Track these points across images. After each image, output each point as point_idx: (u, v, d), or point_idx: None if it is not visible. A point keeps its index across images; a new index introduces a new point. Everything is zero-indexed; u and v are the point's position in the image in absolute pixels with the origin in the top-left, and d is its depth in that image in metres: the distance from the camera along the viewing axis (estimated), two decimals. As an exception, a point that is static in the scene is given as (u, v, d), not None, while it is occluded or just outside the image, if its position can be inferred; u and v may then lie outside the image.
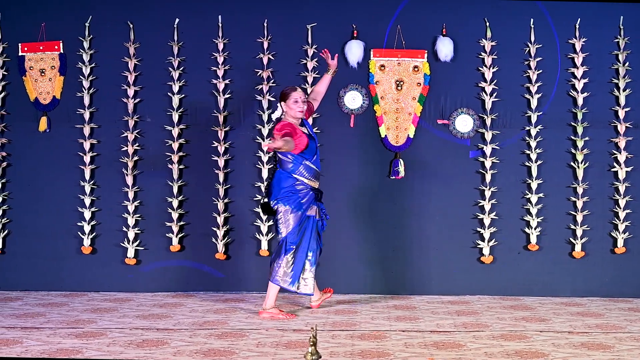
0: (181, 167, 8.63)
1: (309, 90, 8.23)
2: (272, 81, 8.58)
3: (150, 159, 8.66)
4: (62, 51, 8.71)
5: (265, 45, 8.59)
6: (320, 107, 8.46)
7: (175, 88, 8.61)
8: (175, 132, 8.61)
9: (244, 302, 8.11)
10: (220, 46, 8.60)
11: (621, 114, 8.55)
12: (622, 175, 8.55)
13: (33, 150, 8.74)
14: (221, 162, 8.58)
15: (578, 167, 8.53)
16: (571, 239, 8.57)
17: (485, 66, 8.55)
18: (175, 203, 8.61)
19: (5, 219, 8.77)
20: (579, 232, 8.54)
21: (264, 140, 8.49)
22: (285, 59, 8.59)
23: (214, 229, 8.60)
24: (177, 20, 8.62)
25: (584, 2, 8.60)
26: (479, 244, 8.57)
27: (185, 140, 8.63)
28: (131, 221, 8.64)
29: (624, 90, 8.55)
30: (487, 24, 8.57)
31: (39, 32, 8.71)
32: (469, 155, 8.57)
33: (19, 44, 8.74)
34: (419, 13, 8.57)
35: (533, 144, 8.53)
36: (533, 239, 8.55)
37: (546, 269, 8.57)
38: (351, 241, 8.61)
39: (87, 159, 8.67)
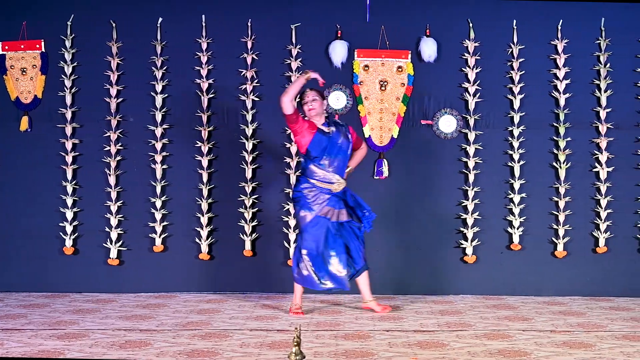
0: (164, 167, 8.61)
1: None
2: (256, 81, 8.57)
3: (133, 159, 8.63)
4: (43, 50, 8.67)
5: (249, 45, 8.58)
6: (304, 107, 8.49)
7: (159, 87, 8.58)
8: (159, 131, 8.58)
9: (227, 303, 8.10)
10: (204, 46, 8.58)
11: (602, 114, 8.60)
12: (603, 175, 8.59)
13: (14, 150, 8.69)
14: (205, 162, 8.56)
15: (560, 167, 8.57)
16: (553, 239, 8.60)
17: (469, 67, 8.57)
18: (158, 203, 8.58)
19: (-14, 219, 8.75)
20: (561, 232, 8.58)
21: (247, 140, 8.50)
22: (269, 58, 8.58)
23: (198, 229, 8.58)
24: (160, 19, 8.59)
25: (565, 3, 8.63)
26: (462, 244, 8.59)
27: (168, 140, 8.61)
28: (114, 221, 8.61)
29: (605, 91, 8.59)
30: (471, 25, 8.59)
31: (20, 31, 8.67)
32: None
33: (0, 43, 8.68)
34: (403, 14, 8.59)
35: (516, 144, 8.56)
36: (516, 239, 8.58)
37: (529, 268, 8.60)
38: (334, 241, 8.61)
39: (69, 158, 8.63)
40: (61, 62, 8.65)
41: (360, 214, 7.68)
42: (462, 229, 8.60)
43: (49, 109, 8.68)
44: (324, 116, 7.65)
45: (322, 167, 7.55)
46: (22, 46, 8.69)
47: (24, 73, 8.68)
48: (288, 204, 8.55)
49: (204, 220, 8.56)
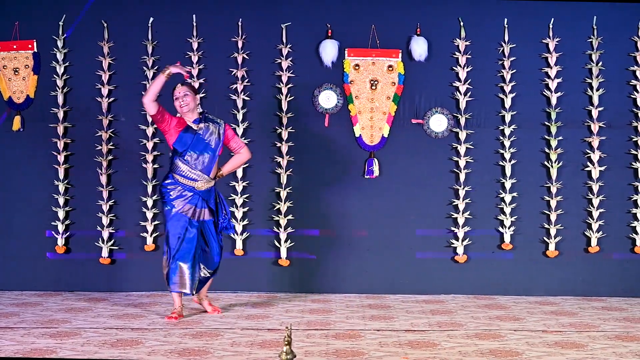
0: (155, 166, 8.60)
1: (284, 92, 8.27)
2: (246, 80, 8.57)
3: (125, 158, 8.62)
4: (36, 50, 8.66)
5: (240, 44, 8.58)
6: (295, 107, 8.51)
7: (150, 87, 8.58)
8: (150, 131, 8.58)
9: (218, 302, 8.07)
10: (195, 45, 8.58)
11: (594, 113, 8.60)
12: (595, 174, 8.60)
13: (6, 149, 8.68)
14: (196, 161, 8.57)
15: (552, 166, 8.57)
16: (545, 239, 8.60)
17: (460, 66, 8.58)
18: (149, 202, 8.58)
19: (-21, 218, 8.75)
20: (552, 232, 8.58)
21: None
22: (259, 58, 8.58)
23: (189, 228, 8.59)
24: (151, 19, 8.59)
25: (557, 2, 8.64)
26: (453, 243, 8.59)
27: (159, 140, 8.59)
28: (105, 220, 8.60)
29: (597, 90, 8.60)
30: (462, 23, 8.60)
31: (13, 31, 8.66)
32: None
33: (-8, 43, 8.72)
34: (393, 13, 8.58)
35: (507, 143, 8.56)
36: (507, 238, 8.58)
37: (520, 268, 8.61)
38: (325, 240, 8.61)
39: (61, 158, 8.62)
40: (53, 62, 8.64)
41: (221, 217, 7.50)
42: (453, 229, 8.61)
43: (41, 108, 8.67)
44: (197, 112, 7.46)
45: (187, 163, 7.31)
46: (15, 46, 8.68)
47: (16, 73, 8.68)
48: (279, 203, 8.56)
49: (195, 219, 8.57)
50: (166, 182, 7.40)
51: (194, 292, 7.42)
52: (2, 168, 8.71)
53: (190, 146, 7.32)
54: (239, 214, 8.55)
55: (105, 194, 8.61)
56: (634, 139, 8.63)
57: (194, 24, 8.59)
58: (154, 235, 8.58)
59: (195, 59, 8.57)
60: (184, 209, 7.33)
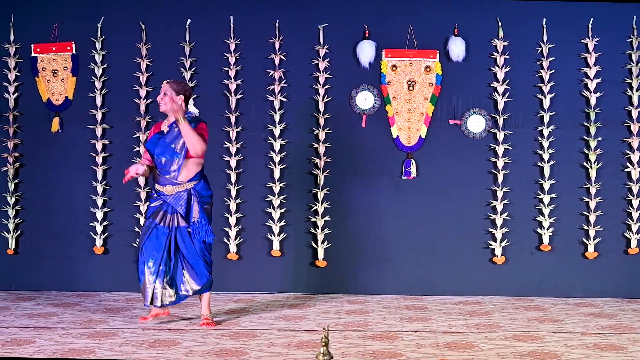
0: (193, 167, 8.63)
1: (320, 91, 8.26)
2: (283, 82, 8.58)
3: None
4: (74, 52, 8.73)
5: (277, 45, 8.59)
6: (332, 108, 8.50)
7: (187, 88, 8.61)
8: (187, 132, 8.61)
9: (255, 303, 8.11)
10: (232, 47, 8.60)
11: (634, 113, 8.52)
12: (635, 175, 8.52)
13: (45, 150, 8.76)
14: (233, 163, 8.58)
15: (591, 167, 8.50)
16: (584, 240, 8.54)
17: (498, 66, 8.53)
18: (187, 203, 8.61)
19: (18, 219, 8.79)
20: (591, 233, 8.51)
21: (275, 141, 8.52)
22: (296, 59, 8.59)
23: (226, 229, 8.60)
24: (188, 20, 8.62)
25: (596, 2, 8.57)
26: (491, 245, 8.55)
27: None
28: (143, 222, 8.64)
29: (637, 90, 8.52)
30: (500, 23, 8.55)
31: (52, 33, 8.73)
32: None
33: (32, 45, 8.76)
34: (431, 13, 8.56)
35: (545, 144, 8.50)
36: (545, 240, 8.52)
37: (559, 269, 8.55)
38: (363, 241, 8.60)
39: (99, 159, 8.68)
40: (91, 63, 8.70)
41: (191, 224, 7.06)
42: (491, 230, 8.56)
43: (79, 110, 8.73)
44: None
45: (158, 166, 7.06)
46: (54, 48, 8.75)
47: (55, 75, 8.75)
48: (315, 204, 8.56)
49: (232, 220, 8.58)
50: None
51: (149, 304, 7.09)
52: (41, 169, 8.78)
53: (156, 150, 7.08)
54: (276, 215, 8.56)
55: (142, 195, 8.65)
56: (674, 140, 8.57)
57: (231, 25, 8.61)
58: (191, 236, 8.61)
59: (232, 60, 8.59)
60: (154, 212, 7.12)
